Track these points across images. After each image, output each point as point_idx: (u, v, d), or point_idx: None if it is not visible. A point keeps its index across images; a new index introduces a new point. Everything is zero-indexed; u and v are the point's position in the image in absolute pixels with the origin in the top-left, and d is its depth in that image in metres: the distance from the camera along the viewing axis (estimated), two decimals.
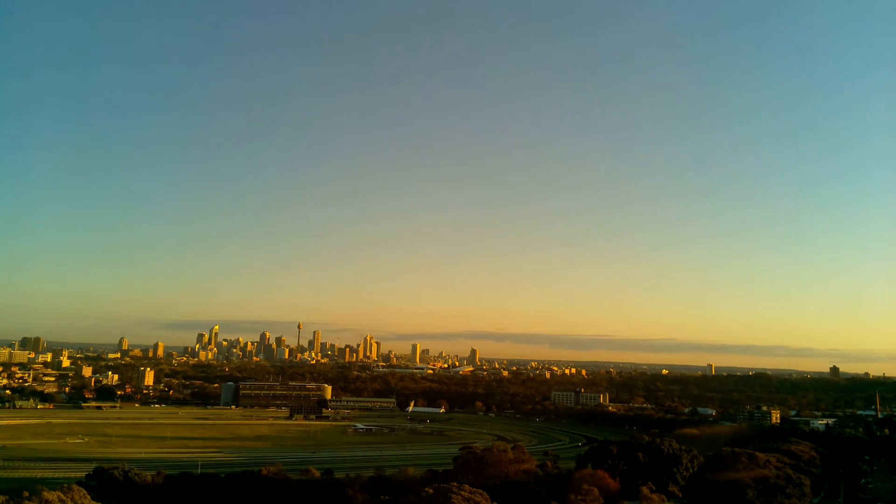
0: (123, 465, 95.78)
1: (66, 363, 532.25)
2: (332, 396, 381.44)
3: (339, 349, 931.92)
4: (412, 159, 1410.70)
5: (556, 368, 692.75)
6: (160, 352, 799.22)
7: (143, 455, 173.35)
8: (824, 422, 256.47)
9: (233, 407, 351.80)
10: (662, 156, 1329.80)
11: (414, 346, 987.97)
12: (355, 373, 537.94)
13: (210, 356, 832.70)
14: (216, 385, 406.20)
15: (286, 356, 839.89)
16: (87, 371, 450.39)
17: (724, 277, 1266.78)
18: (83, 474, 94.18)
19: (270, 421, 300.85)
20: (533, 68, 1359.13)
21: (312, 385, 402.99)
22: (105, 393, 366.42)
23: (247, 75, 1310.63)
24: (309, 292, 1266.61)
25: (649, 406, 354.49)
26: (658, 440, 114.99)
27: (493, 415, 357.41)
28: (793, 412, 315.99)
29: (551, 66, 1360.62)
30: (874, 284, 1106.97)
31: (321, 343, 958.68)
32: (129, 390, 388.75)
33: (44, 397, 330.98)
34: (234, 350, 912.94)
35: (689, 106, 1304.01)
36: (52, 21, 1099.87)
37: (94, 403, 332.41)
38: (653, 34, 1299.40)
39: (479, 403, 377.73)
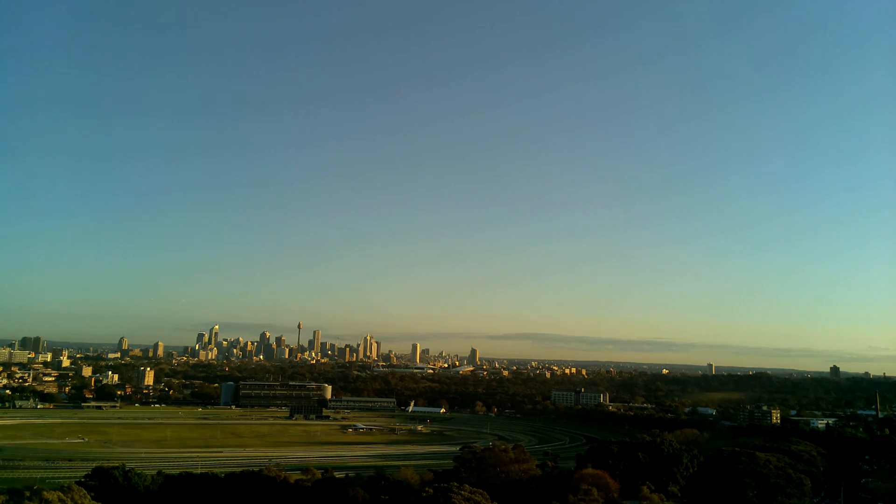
0: (123, 464, 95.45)
1: (66, 363, 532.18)
2: (332, 396, 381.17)
3: (340, 349, 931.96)
4: (412, 161, 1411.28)
5: (556, 368, 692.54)
6: (160, 352, 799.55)
7: (143, 455, 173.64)
8: (824, 422, 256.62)
9: (233, 407, 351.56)
10: (661, 158, 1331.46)
11: (414, 346, 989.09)
12: (355, 373, 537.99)
13: (210, 356, 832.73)
14: (216, 385, 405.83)
15: (286, 356, 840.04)
16: (87, 371, 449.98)
17: (724, 278, 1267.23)
18: (83, 474, 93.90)
19: (270, 421, 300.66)
20: (531, 71, 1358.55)
21: (312, 385, 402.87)
22: (105, 393, 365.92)
23: (249, 80, 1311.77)
24: (309, 292, 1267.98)
25: (649, 406, 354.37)
26: (658, 440, 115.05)
27: (493, 415, 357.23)
28: (793, 412, 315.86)
29: (550, 68, 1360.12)
30: (874, 284, 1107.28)
31: (321, 343, 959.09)
32: (129, 390, 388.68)
33: (44, 397, 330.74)
34: (235, 350, 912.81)
35: (689, 108, 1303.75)
36: (59, 23, 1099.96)
37: (94, 403, 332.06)
38: (652, 40, 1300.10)
39: (479, 403, 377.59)
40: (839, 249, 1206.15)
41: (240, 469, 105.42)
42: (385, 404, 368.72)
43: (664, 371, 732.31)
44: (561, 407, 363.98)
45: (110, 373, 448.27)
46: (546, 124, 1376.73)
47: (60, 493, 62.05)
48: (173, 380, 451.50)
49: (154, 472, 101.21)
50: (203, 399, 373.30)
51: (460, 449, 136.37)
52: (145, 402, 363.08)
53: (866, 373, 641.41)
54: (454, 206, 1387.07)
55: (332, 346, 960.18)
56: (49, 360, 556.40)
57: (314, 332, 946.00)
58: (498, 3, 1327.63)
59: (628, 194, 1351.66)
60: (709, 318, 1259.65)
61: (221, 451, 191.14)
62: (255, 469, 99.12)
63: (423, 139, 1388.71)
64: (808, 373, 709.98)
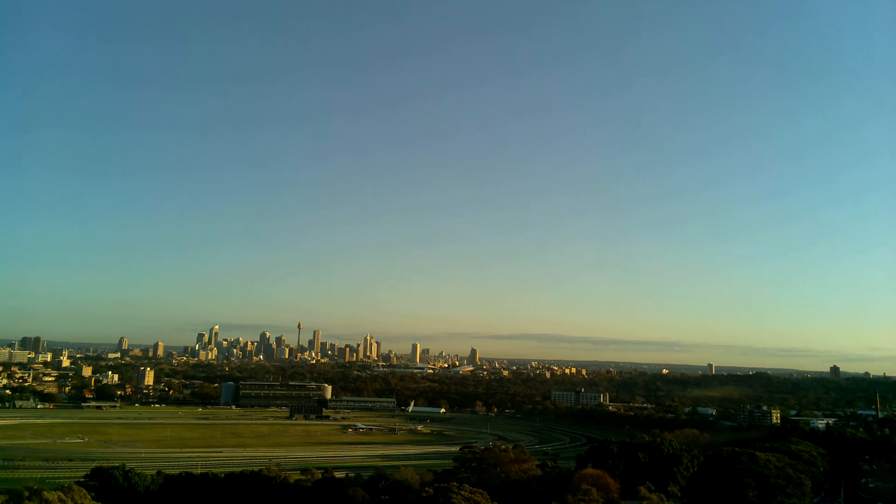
0: (123, 464, 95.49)
1: (66, 363, 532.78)
2: (332, 396, 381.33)
3: (340, 349, 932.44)
4: (412, 160, 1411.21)
5: (556, 368, 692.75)
6: (160, 352, 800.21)
7: (143, 455, 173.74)
8: (825, 422, 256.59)
9: (233, 407, 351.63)
10: (660, 156, 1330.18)
11: (414, 346, 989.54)
12: (355, 373, 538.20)
13: (210, 356, 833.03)
14: (216, 385, 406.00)
15: (286, 356, 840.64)
16: (87, 371, 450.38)
17: (724, 278, 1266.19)
18: (83, 474, 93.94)
19: (270, 421, 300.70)
20: (530, 57, 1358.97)
21: (312, 385, 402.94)
22: (105, 393, 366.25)
23: (247, 74, 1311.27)
24: (309, 292, 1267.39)
25: (649, 406, 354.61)
26: (658, 440, 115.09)
27: (493, 415, 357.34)
28: (793, 412, 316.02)
29: (548, 56, 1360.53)
30: (874, 284, 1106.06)
31: (321, 343, 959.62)
32: (129, 390, 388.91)
33: (44, 397, 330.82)
34: (235, 350, 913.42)
35: (690, 115, 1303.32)
36: (62, 25, 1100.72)
37: (94, 403, 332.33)
38: (655, 51, 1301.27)
39: (479, 403, 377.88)
40: (840, 251, 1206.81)
41: (240, 469, 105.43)
42: (385, 404, 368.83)
43: (664, 371, 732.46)
44: (561, 407, 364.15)
45: (110, 373, 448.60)
46: (548, 128, 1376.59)
47: (60, 493, 62.05)
48: (173, 380, 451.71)
49: (154, 472, 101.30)
50: (203, 399, 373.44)
51: (460, 449, 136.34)
52: (145, 402, 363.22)
53: (866, 373, 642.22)
54: (454, 206, 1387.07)
55: (332, 346, 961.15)
56: (49, 360, 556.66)
57: (314, 332, 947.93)
58: None
59: (629, 196, 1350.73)
60: (709, 319, 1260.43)
61: (221, 451, 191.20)
62: (255, 469, 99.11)
63: (424, 142, 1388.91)
64: (808, 373, 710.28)
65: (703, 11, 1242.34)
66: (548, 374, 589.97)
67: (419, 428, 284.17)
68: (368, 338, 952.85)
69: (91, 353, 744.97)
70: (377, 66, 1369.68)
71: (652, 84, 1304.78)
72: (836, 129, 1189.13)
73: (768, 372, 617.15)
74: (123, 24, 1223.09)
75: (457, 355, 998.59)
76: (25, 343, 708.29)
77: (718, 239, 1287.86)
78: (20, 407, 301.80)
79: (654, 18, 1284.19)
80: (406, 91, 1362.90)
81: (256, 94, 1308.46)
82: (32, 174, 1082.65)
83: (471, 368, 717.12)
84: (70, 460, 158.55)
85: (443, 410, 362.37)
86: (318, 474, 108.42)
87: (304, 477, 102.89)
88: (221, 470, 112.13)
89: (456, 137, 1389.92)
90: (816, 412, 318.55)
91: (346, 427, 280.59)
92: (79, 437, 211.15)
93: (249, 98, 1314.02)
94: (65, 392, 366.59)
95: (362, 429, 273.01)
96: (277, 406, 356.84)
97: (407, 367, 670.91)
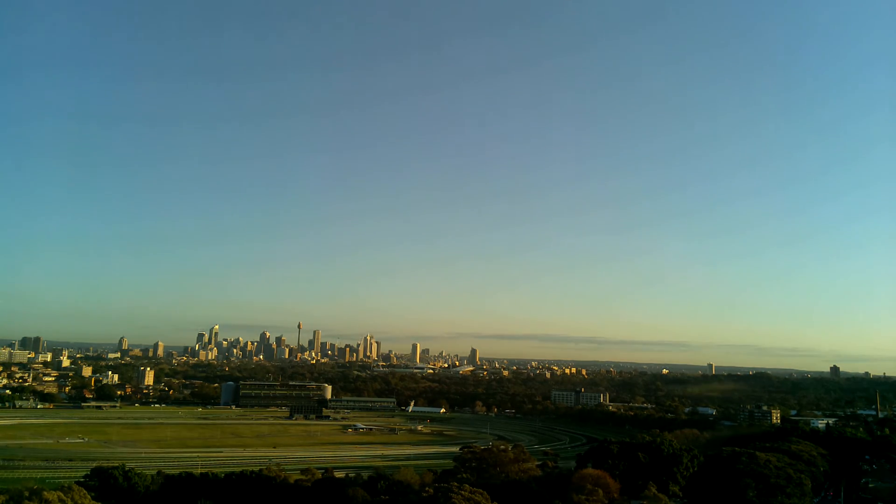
0: (123, 464, 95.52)
1: (66, 363, 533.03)
2: (332, 396, 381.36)
3: (340, 349, 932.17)
4: (412, 158, 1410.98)
5: (556, 368, 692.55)
6: (160, 352, 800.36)
7: (143, 455, 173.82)
8: (825, 421, 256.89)
9: (233, 407, 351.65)
10: (659, 151, 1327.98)
11: (414, 346, 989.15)
12: (355, 372, 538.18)
13: (210, 356, 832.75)
14: (216, 385, 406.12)
15: (286, 356, 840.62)
16: (87, 371, 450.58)
17: (724, 277, 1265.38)
18: (83, 474, 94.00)
19: (270, 421, 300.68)
20: (528, 51, 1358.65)
21: (313, 385, 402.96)
22: (105, 393, 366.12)
23: (244, 70, 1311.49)
24: (309, 292, 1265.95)
25: (649, 406, 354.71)
26: (658, 440, 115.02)
27: (493, 415, 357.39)
28: (793, 412, 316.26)
29: (546, 50, 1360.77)
30: (875, 284, 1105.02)
31: (321, 343, 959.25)
32: (129, 390, 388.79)
33: (44, 397, 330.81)
34: (235, 350, 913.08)
35: (689, 109, 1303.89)
36: (66, 17, 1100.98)
37: (94, 403, 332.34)
38: (657, 42, 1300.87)
39: (479, 403, 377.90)
40: (839, 250, 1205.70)
41: (240, 469, 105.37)
42: (385, 404, 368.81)
43: (664, 371, 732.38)
44: (561, 407, 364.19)
45: (110, 373, 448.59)
46: (546, 124, 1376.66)
47: (60, 493, 62.02)
48: (173, 380, 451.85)
49: (154, 472, 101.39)
50: (203, 399, 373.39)
51: (460, 449, 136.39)
52: (145, 402, 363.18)
53: (866, 373, 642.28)
54: (455, 205, 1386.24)
55: (332, 346, 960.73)
56: (49, 360, 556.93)
57: (314, 332, 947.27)
58: None
59: (626, 193, 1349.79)
60: (709, 319, 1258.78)
61: (221, 451, 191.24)
62: (255, 469, 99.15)
63: (423, 137, 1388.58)
64: (808, 373, 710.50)
65: (702, 5, 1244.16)
66: (548, 374, 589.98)
67: (419, 428, 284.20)
68: (368, 338, 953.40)
69: (91, 353, 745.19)
70: (374, 62, 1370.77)
71: (650, 79, 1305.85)
72: (840, 122, 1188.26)
73: (768, 372, 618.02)
74: (126, 17, 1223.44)
75: (457, 355, 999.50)
76: (25, 343, 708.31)
77: (719, 239, 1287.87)
78: (20, 407, 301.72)
79: (654, 12, 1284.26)
80: (405, 86, 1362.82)
81: (257, 90, 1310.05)
82: (32, 173, 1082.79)
83: (471, 368, 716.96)
84: (70, 460, 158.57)
85: (443, 410, 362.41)
86: (319, 474, 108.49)
87: (304, 477, 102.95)
88: (221, 470, 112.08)
89: (456, 132, 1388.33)
90: (816, 412, 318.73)
91: (346, 427, 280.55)
92: (79, 437, 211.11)
93: (250, 95, 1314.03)
94: (65, 392, 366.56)
95: (362, 429, 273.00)
96: (277, 406, 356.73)
97: (407, 367, 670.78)
